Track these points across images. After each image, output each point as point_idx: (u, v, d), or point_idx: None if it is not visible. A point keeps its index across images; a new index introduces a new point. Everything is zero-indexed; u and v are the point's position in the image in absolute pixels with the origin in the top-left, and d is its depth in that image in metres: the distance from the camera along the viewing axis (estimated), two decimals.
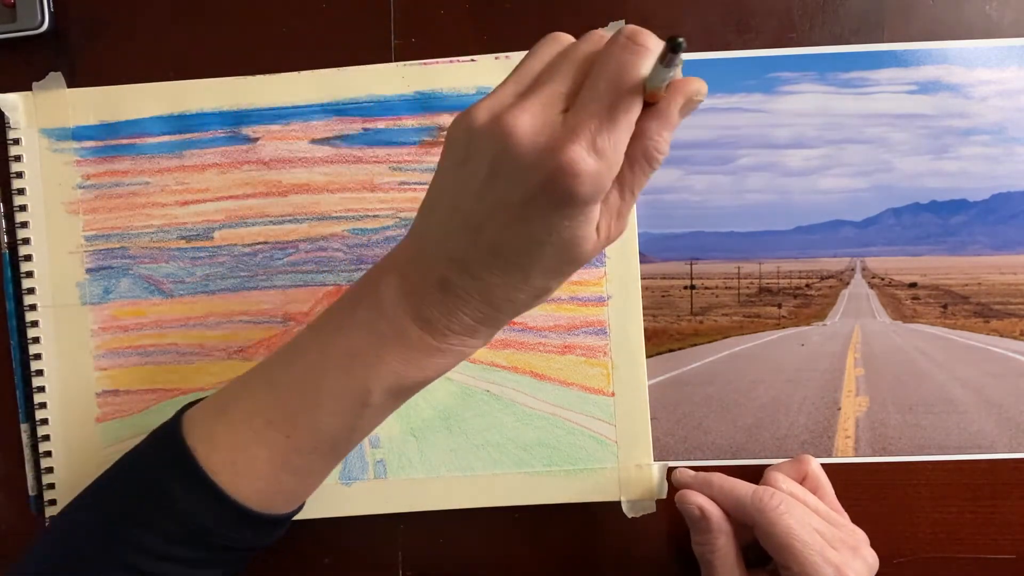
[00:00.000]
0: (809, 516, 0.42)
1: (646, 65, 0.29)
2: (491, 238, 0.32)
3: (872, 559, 0.43)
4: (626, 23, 0.48)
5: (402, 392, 0.35)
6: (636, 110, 0.30)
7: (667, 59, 0.28)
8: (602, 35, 0.32)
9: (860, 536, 0.44)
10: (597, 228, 0.32)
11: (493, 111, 0.30)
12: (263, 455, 0.35)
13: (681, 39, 0.26)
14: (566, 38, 0.33)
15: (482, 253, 0.32)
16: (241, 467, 0.35)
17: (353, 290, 0.36)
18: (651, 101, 0.31)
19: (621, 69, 0.29)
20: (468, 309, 0.33)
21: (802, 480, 0.46)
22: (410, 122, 0.50)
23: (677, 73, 0.31)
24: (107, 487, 0.38)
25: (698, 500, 0.44)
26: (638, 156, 0.31)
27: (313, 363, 0.36)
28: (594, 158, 0.29)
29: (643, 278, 0.49)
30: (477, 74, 0.49)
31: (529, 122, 0.30)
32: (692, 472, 0.47)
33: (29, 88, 0.50)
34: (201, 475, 0.35)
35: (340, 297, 0.37)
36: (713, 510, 0.44)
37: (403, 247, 0.36)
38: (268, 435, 0.35)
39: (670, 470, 0.48)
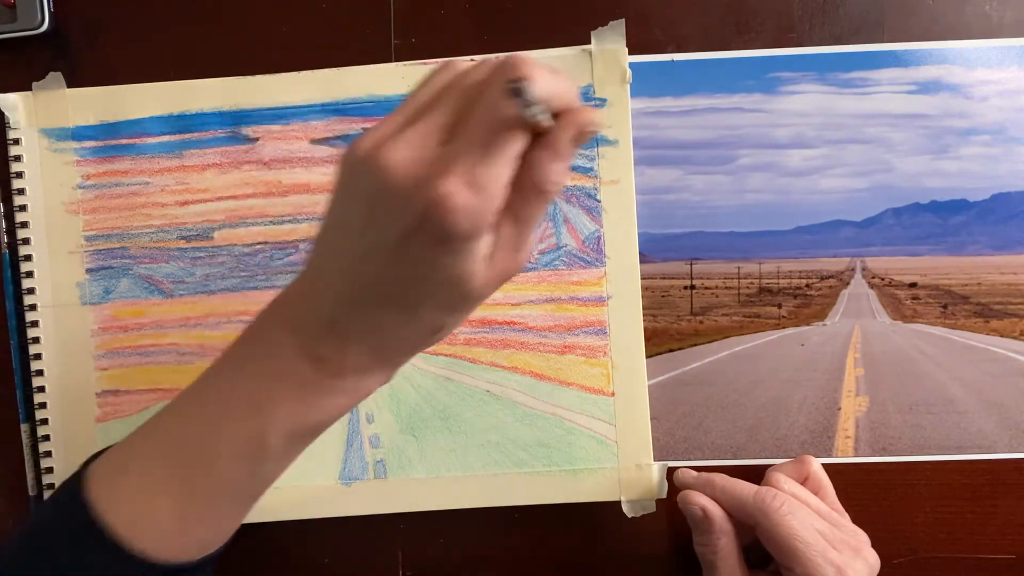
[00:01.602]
0: (811, 517, 0.42)
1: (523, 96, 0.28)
2: (374, 275, 0.31)
3: (873, 560, 0.43)
4: (626, 23, 0.48)
5: (302, 436, 0.34)
6: (515, 143, 0.28)
7: (517, 99, 0.27)
8: (492, 63, 0.30)
9: (862, 537, 0.44)
10: (492, 261, 0.31)
11: (375, 143, 0.29)
12: (165, 506, 0.34)
13: (519, 82, 0.26)
14: (461, 66, 0.32)
15: (367, 291, 0.31)
16: (144, 520, 0.34)
17: (248, 330, 0.35)
18: (539, 132, 0.29)
19: (497, 101, 0.28)
20: (360, 347, 0.32)
21: (803, 481, 0.46)
22: None
23: (570, 103, 0.30)
24: (8, 560, 0.35)
25: (700, 500, 0.44)
26: (529, 187, 0.30)
27: (210, 410, 0.34)
28: (470, 192, 0.28)
29: (643, 278, 0.49)
30: None
31: (404, 155, 0.28)
32: (694, 473, 0.47)
33: (29, 88, 0.50)
34: (100, 533, 0.33)
35: (238, 337, 0.35)
36: (715, 511, 0.44)
37: (294, 284, 0.34)
38: (169, 485, 0.34)
39: (670, 470, 0.48)
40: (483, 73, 0.30)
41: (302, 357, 0.33)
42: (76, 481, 0.35)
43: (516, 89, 0.26)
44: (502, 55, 0.30)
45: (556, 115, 0.29)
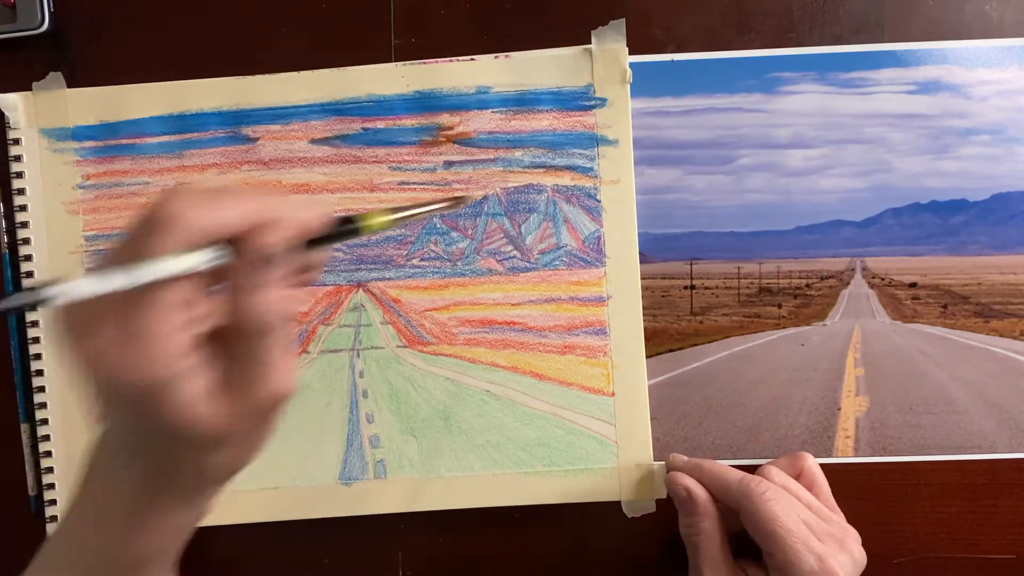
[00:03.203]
0: (796, 507, 0.42)
1: (168, 243, 0.27)
2: (119, 435, 0.30)
3: (860, 556, 0.43)
4: (626, 23, 0.48)
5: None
6: (161, 292, 0.27)
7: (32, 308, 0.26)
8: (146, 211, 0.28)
9: (851, 533, 0.44)
10: (222, 401, 0.29)
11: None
12: None
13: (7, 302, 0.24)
14: None
15: (114, 449, 0.31)
16: None
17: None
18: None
19: None
20: (142, 494, 0.31)
21: (797, 476, 0.46)
22: (409, 122, 0.50)
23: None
24: None
25: (685, 482, 0.45)
26: (235, 324, 0.29)
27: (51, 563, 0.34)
28: (123, 346, 0.27)
29: (643, 278, 0.49)
30: (477, 74, 0.49)
31: (70, 311, 0.28)
32: (684, 457, 0.47)
33: (29, 88, 0.50)
34: None
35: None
36: (700, 492, 0.44)
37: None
38: None
39: (667, 458, 0.48)
40: (135, 227, 0.28)
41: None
42: None
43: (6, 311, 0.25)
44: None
45: (233, 241, 0.28)
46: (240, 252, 0.28)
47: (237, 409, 0.28)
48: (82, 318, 0.27)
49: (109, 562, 0.32)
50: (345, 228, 0.31)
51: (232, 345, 0.28)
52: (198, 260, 0.27)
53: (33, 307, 0.26)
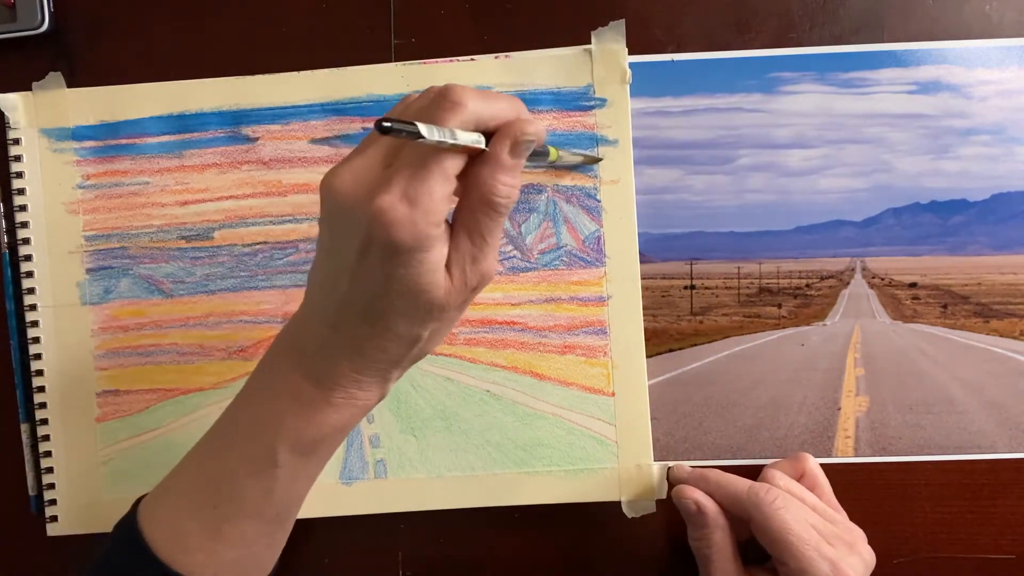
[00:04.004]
0: (805, 512, 0.42)
1: (453, 120, 0.31)
2: (343, 293, 0.33)
3: (869, 556, 0.43)
4: (626, 23, 0.48)
5: (306, 450, 0.36)
6: (445, 160, 0.31)
7: (397, 133, 0.29)
8: (431, 92, 0.33)
9: (857, 533, 0.44)
10: (450, 274, 0.33)
11: (332, 172, 0.33)
12: (195, 528, 0.37)
13: (385, 123, 0.28)
14: (410, 99, 0.35)
15: (342, 308, 0.34)
16: (178, 542, 0.37)
17: (261, 360, 0.38)
18: (471, 153, 0.32)
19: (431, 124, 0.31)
20: (349, 363, 0.35)
21: (799, 478, 0.46)
22: None
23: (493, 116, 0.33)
24: None
25: (694, 495, 0.44)
26: (477, 202, 0.33)
27: (228, 434, 0.38)
28: (405, 205, 0.30)
29: (643, 278, 0.49)
30: (477, 74, 0.49)
31: (349, 178, 0.32)
32: (689, 468, 0.47)
33: (29, 88, 0.50)
34: (148, 554, 0.37)
35: (255, 366, 0.38)
36: (709, 505, 0.44)
37: (296, 312, 0.37)
38: (197, 507, 0.37)
39: (669, 470, 0.48)
40: (424, 101, 0.33)
41: (302, 377, 0.36)
42: (132, 508, 0.39)
43: (385, 128, 0.28)
44: (441, 85, 0.33)
45: (492, 132, 0.33)
46: (502, 137, 0.33)
47: (456, 284, 0.33)
48: (368, 178, 0.31)
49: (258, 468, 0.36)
50: (540, 151, 0.38)
51: (465, 225, 0.33)
52: (477, 138, 0.32)
53: (405, 132, 0.29)
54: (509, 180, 0.33)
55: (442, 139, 0.30)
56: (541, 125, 0.34)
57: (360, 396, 0.36)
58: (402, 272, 0.32)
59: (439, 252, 0.32)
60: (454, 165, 0.32)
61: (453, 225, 0.34)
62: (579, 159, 0.48)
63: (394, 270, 0.32)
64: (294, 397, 0.35)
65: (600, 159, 0.49)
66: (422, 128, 0.29)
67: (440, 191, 0.31)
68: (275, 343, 0.38)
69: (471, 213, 0.33)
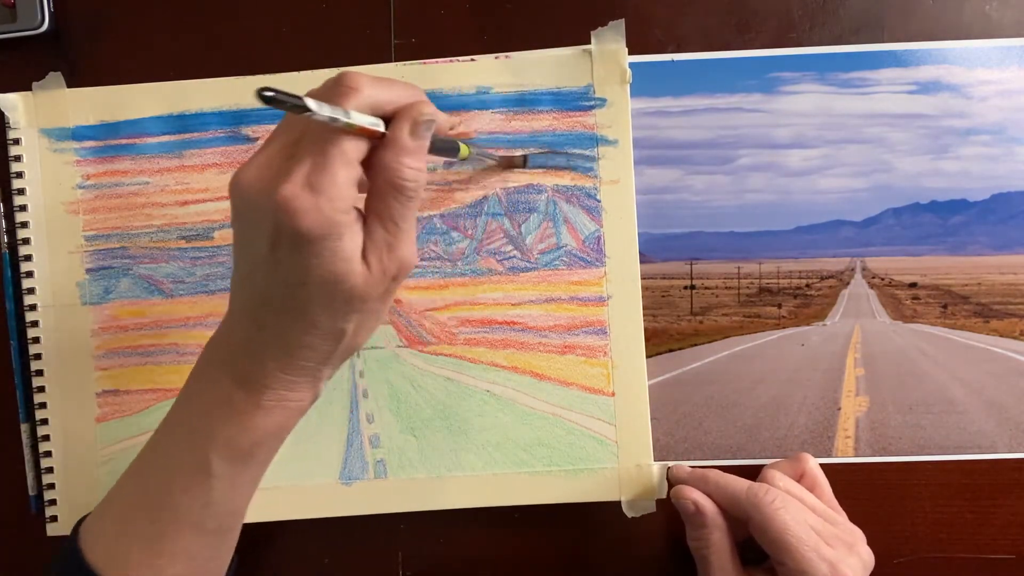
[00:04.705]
0: (804, 513, 0.42)
1: (348, 104, 0.31)
2: (261, 288, 0.33)
3: (868, 557, 0.43)
4: (626, 23, 0.48)
5: (242, 457, 0.35)
6: (344, 144, 0.31)
7: (281, 104, 0.28)
8: (328, 82, 0.33)
9: (857, 534, 0.44)
10: (367, 263, 0.33)
11: (239, 168, 0.33)
12: (136, 546, 0.36)
13: (267, 92, 0.27)
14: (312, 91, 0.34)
15: (262, 303, 0.33)
16: (120, 560, 0.36)
17: (193, 369, 0.37)
18: (372, 137, 0.33)
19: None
20: (272, 362, 0.34)
21: (799, 478, 0.46)
22: None
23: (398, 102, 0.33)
24: None
25: (693, 495, 0.44)
26: (385, 187, 0.33)
27: (162, 444, 0.37)
28: (308, 193, 0.30)
29: (643, 278, 0.49)
30: (477, 74, 0.49)
31: (254, 172, 0.32)
32: (688, 468, 0.47)
33: (29, 88, 0.50)
34: (89, 573, 0.36)
35: (188, 377, 0.38)
36: (708, 505, 0.44)
37: (224, 316, 0.37)
38: (136, 524, 0.36)
39: (669, 470, 0.48)
40: (321, 88, 0.33)
41: (231, 382, 0.35)
42: (74, 530, 0.38)
43: (262, 98, 0.27)
44: (337, 72, 0.33)
45: (391, 117, 0.33)
46: (400, 119, 0.33)
47: (375, 272, 0.33)
48: (271, 171, 0.31)
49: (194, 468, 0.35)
50: (448, 144, 0.39)
51: (376, 212, 0.33)
52: (374, 121, 0.32)
53: (289, 105, 0.28)
54: (413, 163, 0.33)
55: (334, 115, 0.30)
56: (442, 113, 0.34)
57: (291, 397, 0.35)
58: (315, 262, 0.31)
59: (351, 240, 0.32)
60: (355, 149, 0.32)
61: (366, 213, 0.33)
62: (494, 161, 0.48)
63: (307, 260, 0.31)
64: (224, 403, 0.35)
65: (526, 159, 0.49)
66: (310, 102, 0.28)
67: (343, 176, 0.31)
68: (205, 350, 0.37)
69: (381, 199, 0.33)
